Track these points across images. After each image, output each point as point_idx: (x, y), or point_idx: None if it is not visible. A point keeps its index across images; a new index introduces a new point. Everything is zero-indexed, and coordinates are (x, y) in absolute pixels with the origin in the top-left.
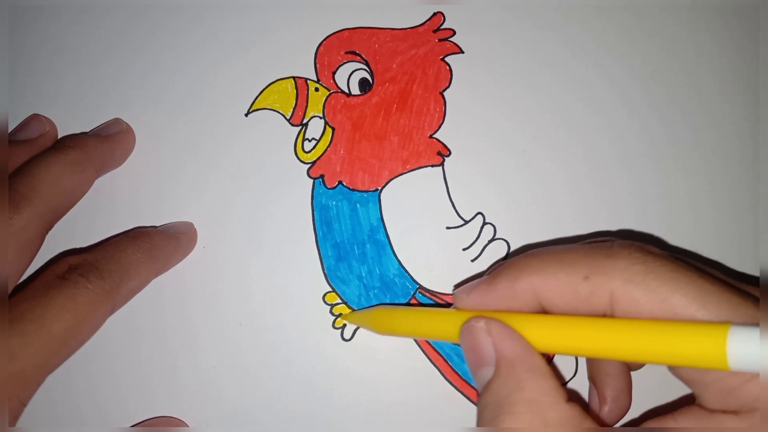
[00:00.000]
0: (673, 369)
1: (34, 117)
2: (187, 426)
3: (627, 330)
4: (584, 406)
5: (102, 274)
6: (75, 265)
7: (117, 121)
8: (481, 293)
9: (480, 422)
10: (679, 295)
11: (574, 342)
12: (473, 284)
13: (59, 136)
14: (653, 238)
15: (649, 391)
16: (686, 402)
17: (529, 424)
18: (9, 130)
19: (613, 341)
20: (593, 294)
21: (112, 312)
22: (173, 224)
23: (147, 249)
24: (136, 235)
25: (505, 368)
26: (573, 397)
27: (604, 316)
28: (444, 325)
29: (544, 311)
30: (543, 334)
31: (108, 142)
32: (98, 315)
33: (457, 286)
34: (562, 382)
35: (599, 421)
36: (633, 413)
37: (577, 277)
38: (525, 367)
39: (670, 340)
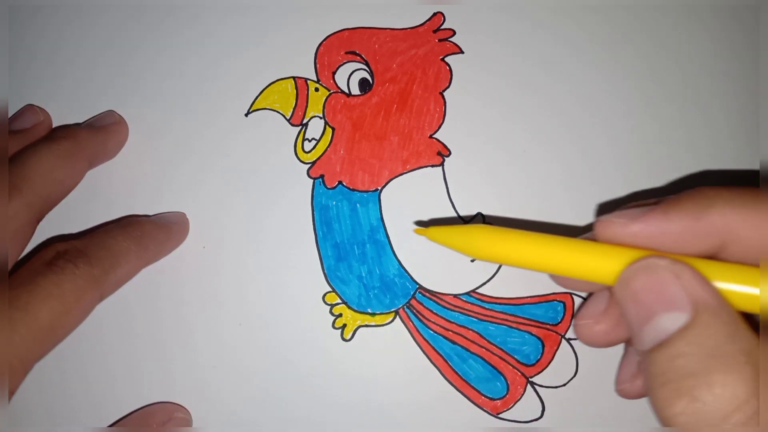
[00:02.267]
0: None
1: (29, 107)
2: (187, 410)
3: None
4: None
5: (90, 261)
6: (63, 251)
7: (110, 113)
8: (650, 223)
9: (663, 379)
10: None
11: None
12: (638, 211)
13: None
14: None
15: None
16: None
17: (753, 381)
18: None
19: None
20: None
21: (100, 300)
22: (165, 214)
23: (137, 237)
24: (126, 223)
25: (708, 316)
26: None
27: None
28: (591, 259)
29: (714, 258)
30: (740, 286)
31: (101, 134)
32: (86, 302)
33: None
34: (563, 383)
35: None
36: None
37: None
38: (730, 316)
39: None
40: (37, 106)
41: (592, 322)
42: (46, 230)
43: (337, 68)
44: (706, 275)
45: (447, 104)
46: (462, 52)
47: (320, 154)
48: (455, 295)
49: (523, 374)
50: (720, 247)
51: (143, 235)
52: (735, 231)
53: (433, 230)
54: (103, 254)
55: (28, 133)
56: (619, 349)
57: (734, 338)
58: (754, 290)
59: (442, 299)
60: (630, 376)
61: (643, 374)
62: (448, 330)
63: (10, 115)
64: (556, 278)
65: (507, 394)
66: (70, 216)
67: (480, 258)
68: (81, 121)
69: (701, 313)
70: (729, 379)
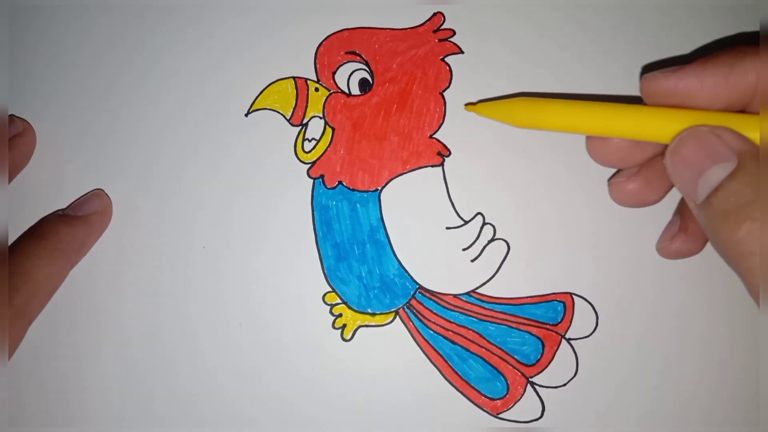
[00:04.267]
0: None
1: (10, 119)
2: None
3: None
4: None
5: (9, 295)
6: None
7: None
8: (686, 76)
9: (723, 214)
10: None
11: None
12: (678, 67)
13: (59, 140)
14: None
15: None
16: None
17: None
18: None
19: None
20: None
21: (29, 324)
22: (84, 200)
23: (54, 248)
24: (40, 233)
25: (750, 158)
26: None
27: None
28: (646, 121)
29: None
30: None
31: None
32: (12, 336)
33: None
34: (563, 383)
35: None
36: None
37: None
38: None
39: None
40: (18, 117)
41: (624, 180)
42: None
43: (337, 68)
44: (743, 130)
45: (447, 104)
46: (462, 52)
47: (320, 154)
48: (455, 295)
49: (523, 374)
50: (750, 100)
51: (59, 242)
52: (764, 79)
53: (480, 106)
54: (20, 282)
55: (11, 144)
56: (618, 350)
57: None
58: None
59: (442, 299)
60: (670, 237)
61: (702, 224)
62: (448, 330)
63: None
64: (593, 144)
65: (507, 394)
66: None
67: (527, 127)
68: (79, 124)
69: (744, 158)
70: None
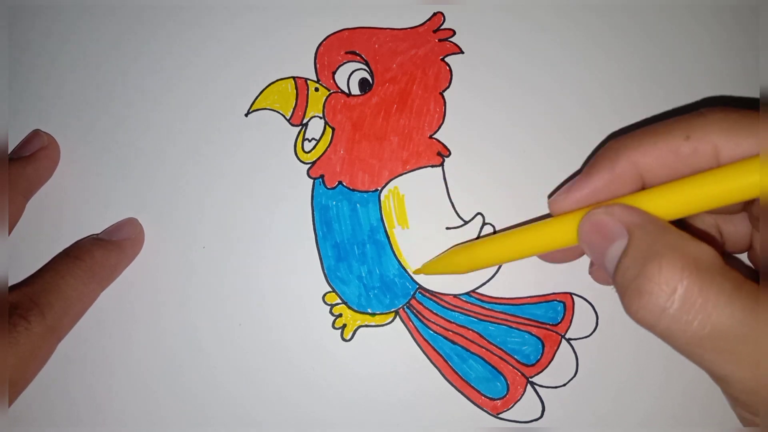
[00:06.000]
0: None
1: (35, 133)
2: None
3: (745, 169)
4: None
5: (42, 311)
6: (14, 304)
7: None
8: (581, 188)
9: (623, 290)
10: None
11: (698, 197)
12: (569, 185)
13: (60, 141)
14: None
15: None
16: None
17: (680, 263)
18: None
19: (734, 184)
20: (696, 152)
21: (59, 341)
22: (118, 226)
23: (87, 269)
24: (76, 254)
25: (638, 231)
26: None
27: None
28: (555, 233)
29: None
30: (662, 202)
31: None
32: (43, 351)
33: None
34: (563, 383)
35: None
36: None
37: (678, 139)
38: (656, 225)
39: None
40: (43, 132)
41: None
42: (60, 228)
43: (337, 68)
44: (634, 204)
45: (447, 104)
46: (462, 52)
47: (320, 154)
48: (455, 295)
49: (523, 374)
50: (643, 181)
51: (94, 265)
52: (644, 167)
53: (425, 267)
54: (53, 299)
55: (33, 158)
56: (618, 350)
57: (659, 238)
58: (671, 201)
59: (442, 299)
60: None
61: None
62: (448, 330)
63: (16, 126)
64: (542, 257)
65: (507, 394)
66: (78, 218)
67: (469, 271)
68: (80, 125)
69: (633, 231)
70: (660, 266)
